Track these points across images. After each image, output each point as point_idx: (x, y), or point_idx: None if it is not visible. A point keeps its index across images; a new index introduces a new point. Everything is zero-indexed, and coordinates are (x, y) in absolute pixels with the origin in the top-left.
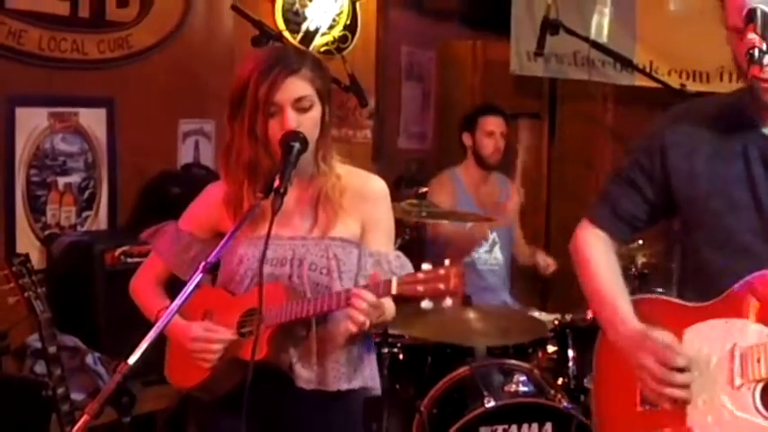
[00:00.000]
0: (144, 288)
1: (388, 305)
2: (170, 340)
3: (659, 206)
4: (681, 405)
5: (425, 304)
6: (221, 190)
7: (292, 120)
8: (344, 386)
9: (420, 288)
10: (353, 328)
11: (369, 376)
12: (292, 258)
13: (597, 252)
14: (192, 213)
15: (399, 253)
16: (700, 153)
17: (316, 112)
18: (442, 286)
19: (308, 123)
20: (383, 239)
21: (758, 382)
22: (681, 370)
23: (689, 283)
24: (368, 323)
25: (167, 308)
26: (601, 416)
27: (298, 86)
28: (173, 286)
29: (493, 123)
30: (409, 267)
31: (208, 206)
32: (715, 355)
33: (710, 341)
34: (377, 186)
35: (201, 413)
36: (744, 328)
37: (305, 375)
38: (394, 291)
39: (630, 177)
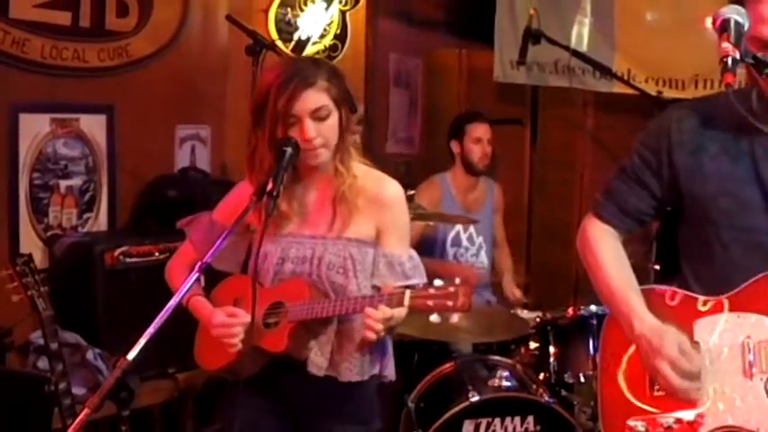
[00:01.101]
0: (176, 272)
1: (401, 311)
2: (200, 326)
3: (665, 202)
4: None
5: (434, 318)
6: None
7: (311, 129)
8: (356, 378)
9: (430, 303)
10: (371, 337)
11: (383, 366)
12: (312, 257)
13: (605, 247)
14: (225, 206)
15: (413, 254)
16: (706, 152)
17: (333, 119)
18: (450, 303)
19: (327, 131)
20: (396, 242)
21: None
22: (694, 374)
23: (696, 278)
24: (383, 333)
25: (196, 294)
26: (608, 396)
27: (314, 98)
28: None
29: (480, 130)
30: (421, 269)
31: (239, 201)
32: (726, 346)
33: (722, 333)
34: (391, 191)
35: (234, 394)
36: (757, 323)
37: (318, 363)
38: (406, 303)
39: (637, 174)
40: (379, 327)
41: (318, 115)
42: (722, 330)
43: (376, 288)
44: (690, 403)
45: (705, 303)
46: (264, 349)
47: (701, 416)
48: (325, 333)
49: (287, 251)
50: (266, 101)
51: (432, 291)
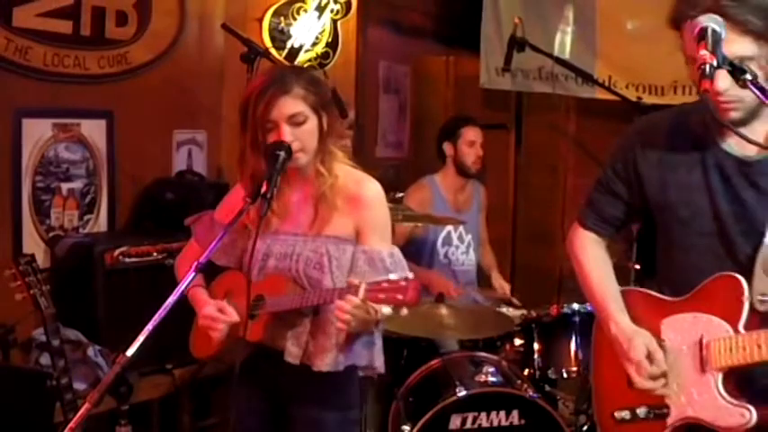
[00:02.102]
0: (183, 267)
1: (382, 308)
2: (197, 315)
3: (636, 207)
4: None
5: (386, 310)
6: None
7: (287, 134)
8: (329, 369)
9: (381, 296)
10: (341, 326)
11: (371, 358)
12: (292, 253)
13: (589, 253)
14: (224, 206)
15: (395, 251)
16: (667, 163)
17: (310, 124)
18: (400, 297)
19: (304, 136)
20: (378, 237)
21: (720, 370)
22: (658, 376)
23: (665, 280)
24: (354, 322)
25: (197, 285)
26: (598, 388)
27: (290, 104)
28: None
29: (474, 134)
30: (403, 263)
31: (236, 201)
32: (685, 344)
33: (682, 332)
34: (371, 191)
35: (230, 388)
36: (709, 322)
37: (293, 352)
38: (361, 295)
39: (610, 185)
40: (347, 317)
41: (295, 121)
42: (682, 329)
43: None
44: (659, 397)
45: (670, 304)
46: (245, 340)
47: (667, 408)
48: (301, 324)
49: (271, 248)
50: (247, 108)
51: (384, 284)
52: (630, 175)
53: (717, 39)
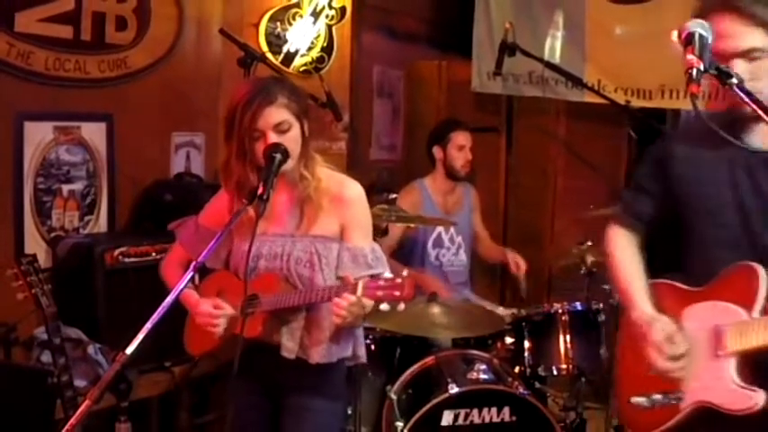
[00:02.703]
0: (170, 269)
1: (368, 302)
2: (189, 315)
3: (666, 204)
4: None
5: (383, 307)
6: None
7: (274, 141)
8: (324, 360)
9: (379, 293)
10: (338, 321)
11: (354, 348)
12: (282, 253)
13: (619, 247)
14: (209, 211)
15: (376, 247)
16: (694, 160)
17: (294, 131)
18: (397, 293)
19: (289, 142)
20: (360, 236)
21: (733, 354)
22: (677, 357)
23: (691, 273)
24: (350, 317)
25: (188, 287)
26: (620, 377)
27: (275, 114)
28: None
29: (463, 138)
30: (383, 260)
31: (220, 206)
32: (702, 331)
33: (700, 320)
34: (353, 191)
35: (226, 378)
36: (726, 309)
37: (289, 347)
38: (359, 293)
39: (642, 183)
40: (344, 313)
41: (280, 129)
42: (701, 317)
43: (341, 279)
44: (674, 382)
45: (692, 294)
46: (243, 335)
47: (682, 392)
48: (296, 320)
49: (260, 249)
50: (234, 118)
51: (381, 282)
52: (661, 171)
53: (704, 43)
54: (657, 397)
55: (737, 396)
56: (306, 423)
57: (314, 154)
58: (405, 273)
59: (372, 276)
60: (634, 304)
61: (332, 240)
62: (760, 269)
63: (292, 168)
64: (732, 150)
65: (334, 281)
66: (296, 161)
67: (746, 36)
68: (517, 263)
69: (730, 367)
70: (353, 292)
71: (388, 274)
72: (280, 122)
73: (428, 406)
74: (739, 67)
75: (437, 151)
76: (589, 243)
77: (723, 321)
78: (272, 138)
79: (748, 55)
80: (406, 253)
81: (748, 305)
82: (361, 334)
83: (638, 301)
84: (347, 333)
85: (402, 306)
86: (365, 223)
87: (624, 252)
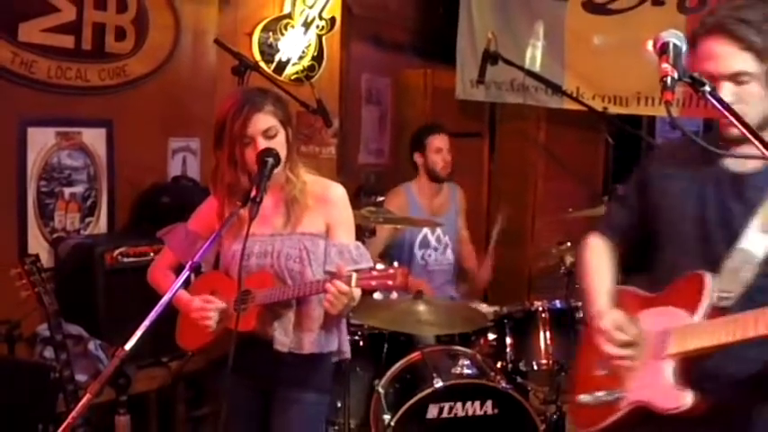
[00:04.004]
0: (159, 274)
1: (357, 292)
2: (180, 313)
3: (643, 217)
4: (623, 372)
5: (377, 296)
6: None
7: (263, 146)
8: (316, 350)
9: (373, 283)
10: (330, 308)
11: (339, 343)
12: (272, 251)
13: (593, 253)
14: (197, 217)
15: (359, 244)
16: (669, 175)
17: (281, 137)
18: (390, 282)
19: (277, 147)
20: (344, 233)
21: (673, 356)
22: (625, 345)
23: (655, 279)
24: (341, 305)
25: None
26: (574, 377)
27: (263, 120)
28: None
29: (439, 141)
30: (366, 255)
31: (209, 212)
32: (651, 334)
33: (652, 323)
34: (336, 191)
35: (217, 374)
36: (674, 314)
37: (281, 340)
38: (353, 284)
39: (623, 197)
40: (334, 300)
41: (268, 134)
42: (652, 320)
43: (329, 273)
44: (619, 381)
45: (648, 299)
46: (237, 330)
47: (625, 391)
48: (287, 314)
49: (251, 248)
50: (224, 126)
51: (374, 273)
52: (641, 185)
53: (678, 52)
54: (600, 394)
55: (669, 396)
56: (295, 414)
57: (298, 159)
58: (395, 264)
59: (358, 270)
60: (594, 301)
61: (319, 237)
62: (707, 277)
63: (279, 172)
64: (704, 170)
65: (322, 275)
66: (282, 165)
67: (735, 59)
68: (483, 275)
69: (669, 369)
70: (348, 282)
71: (380, 266)
72: (268, 128)
73: (414, 399)
74: (726, 89)
75: (417, 157)
76: (568, 244)
77: (670, 325)
78: (261, 143)
79: (736, 78)
80: (394, 254)
81: (693, 310)
82: (345, 331)
83: (598, 299)
84: (334, 326)
85: (395, 295)
86: (349, 222)
87: (596, 258)
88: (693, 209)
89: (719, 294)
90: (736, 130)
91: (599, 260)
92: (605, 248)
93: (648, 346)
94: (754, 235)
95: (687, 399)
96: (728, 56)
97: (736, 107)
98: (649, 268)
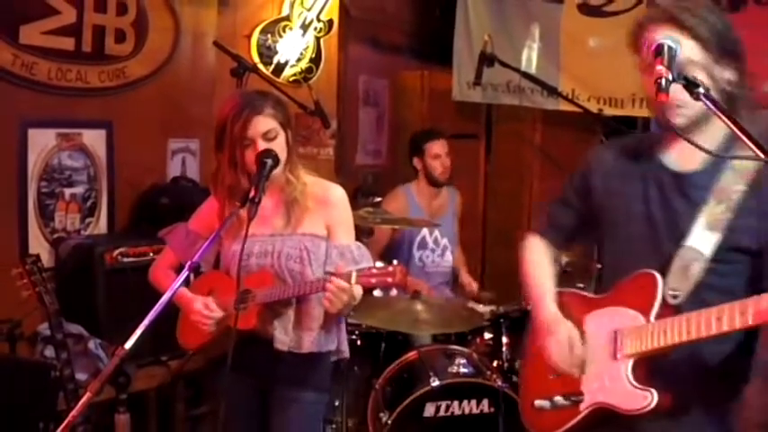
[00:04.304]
0: (160, 274)
1: (357, 291)
2: (181, 312)
3: (586, 218)
4: (578, 376)
5: (377, 293)
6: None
7: (265, 148)
8: (315, 349)
9: (373, 280)
10: (329, 306)
11: (338, 342)
12: (272, 251)
13: (533, 254)
14: (198, 217)
15: (359, 244)
16: (613, 175)
17: (281, 139)
18: (389, 280)
19: (277, 149)
20: (345, 234)
21: (630, 357)
22: (577, 360)
23: (606, 279)
24: (340, 303)
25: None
26: (523, 380)
27: (263, 123)
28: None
29: (437, 147)
30: (367, 255)
31: (209, 213)
32: (602, 335)
33: (602, 324)
34: (336, 193)
35: (217, 373)
36: (625, 314)
37: (281, 339)
38: (353, 281)
39: (566, 197)
40: (334, 298)
41: (268, 136)
42: (601, 322)
43: (329, 274)
44: (575, 383)
45: (595, 300)
46: (237, 329)
47: (581, 394)
48: (287, 313)
49: (251, 248)
50: (224, 128)
51: (374, 270)
52: (583, 186)
53: (672, 54)
54: (559, 399)
55: (632, 397)
56: (293, 413)
57: (297, 160)
58: (395, 262)
59: (358, 269)
60: (541, 307)
61: (320, 238)
62: (658, 277)
63: (279, 173)
64: (647, 166)
65: (323, 276)
66: (282, 167)
67: (682, 48)
68: (471, 285)
69: (627, 369)
70: (347, 279)
71: (379, 264)
72: (268, 131)
73: (411, 398)
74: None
75: (417, 162)
76: None
77: (622, 325)
78: (262, 145)
79: (684, 67)
80: (392, 255)
81: (645, 310)
82: (344, 330)
83: (546, 304)
84: (334, 326)
85: (394, 291)
86: (348, 223)
87: (537, 258)
88: (639, 209)
89: (670, 293)
90: (681, 120)
91: (541, 261)
92: (546, 249)
93: (601, 347)
94: (701, 233)
95: (651, 398)
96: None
97: (679, 98)
98: (603, 270)
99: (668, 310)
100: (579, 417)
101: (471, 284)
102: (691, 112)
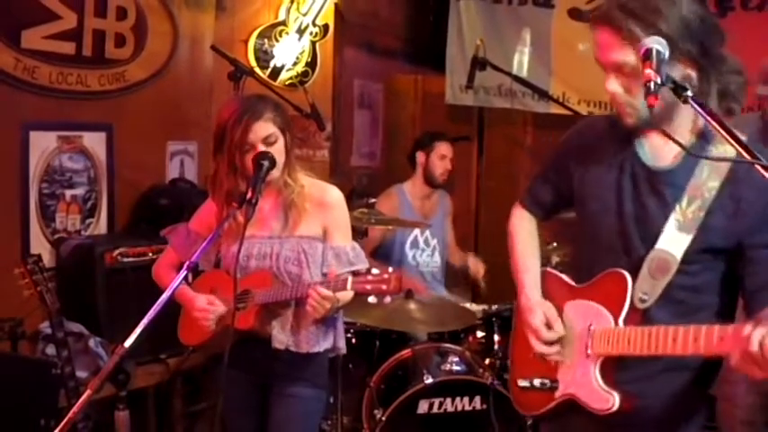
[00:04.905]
0: (162, 272)
1: (346, 294)
2: (183, 309)
3: (565, 197)
4: (555, 362)
5: (371, 299)
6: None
7: (262, 150)
8: (312, 349)
9: (368, 287)
10: (312, 312)
11: (335, 340)
12: (271, 253)
13: (519, 229)
14: (198, 217)
15: (355, 245)
16: (591, 160)
17: (280, 143)
18: (384, 287)
19: (276, 153)
20: (341, 236)
21: (599, 356)
22: (552, 342)
23: (576, 267)
24: (323, 310)
25: (183, 284)
26: (511, 359)
27: (263, 128)
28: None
29: (446, 149)
30: (363, 257)
31: (209, 213)
32: (579, 328)
33: (578, 316)
34: (334, 195)
35: (216, 370)
36: (598, 312)
37: (279, 338)
38: (349, 287)
39: (547, 173)
40: (315, 304)
41: (268, 141)
42: (579, 314)
43: (326, 276)
44: (553, 369)
45: (574, 289)
46: (236, 328)
47: (557, 381)
48: (285, 314)
49: (250, 250)
50: (224, 134)
51: (369, 277)
52: (562, 165)
53: (661, 58)
54: (536, 382)
55: (598, 396)
56: (293, 409)
57: (295, 163)
58: (390, 269)
59: (355, 273)
60: (523, 289)
61: (316, 240)
62: (628, 279)
63: (278, 177)
64: (622, 157)
65: (320, 277)
66: (281, 170)
67: (618, 50)
68: (477, 267)
69: (596, 368)
70: (344, 286)
71: (375, 270)
72: (268, 135)
73: (405, 395)
74: (613, 80)
75: (420, 156)
76: (554, 244)
77: (595, 322)
78: (261, 149)
79: (621, 69)
80: (385, 254)
81: (615, 312)
82: (341, 328)
83: (527, 287)
84: (330, 325)
85: (388, 299)
86: (345, 225)
87: (522, 234)
88: (613, 201)
89: (639, 296)
90: (631, 120)
91: (525, 236)
92: (530, 223)
93: (576, 340)
94: (672, 234)
95: (612, 401)
96: (610, 46)
97: (624, 99)
98: (574, 255)
99: (636, 314)
100: (554, 403)
101: (479, 269)
102: (645, 113)
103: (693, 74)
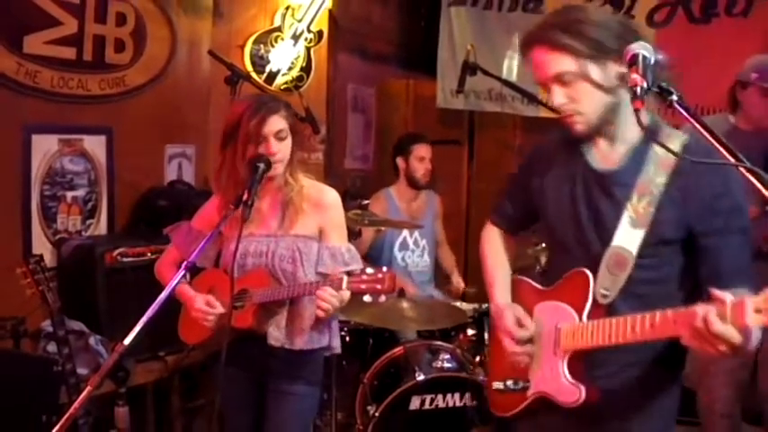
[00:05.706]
0: (164, 269)
1: (344, 293)
2: (183, 308)
3: (530, 211)
4: (526, 363)
5: (366, 298)
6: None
7: (275, 146)
8: (307, 347)
9: (363, 286)
10: (321, 314)
11: (329, 339)
12: (267, 251)
13: (489, 244)
14: (201, 215)
15: (350, 246)
16: (548, 174)
17: (288, 141)
18: (378, 286)
19: (285, 149)
20: (337, 236)
21: (566, 353)
22: (523, 341)
23: (547, 273)
24: (333, 310)
25: (183, 282)
26: (489, 364)
27: (277, 122)
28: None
29: (423, 150)
30: (357, 257)
31: (211, 211)
32: (547, 327)
33: (546, 317)
34: (331, 197)
35: (216, 367)
36: (564, 311)
37: (274, 336)
38: (344, 287)
39: (511, 190)
40: (327, 306)
41: (280, 136)
42: (547, 314)
43: (321, 275)
44: (525, 370)
45: (542, 292)
46: (233, 326)
47: (529, 381)
48: (281, 312)
49: (247, 248)
50: (238, 125)
51: (364, 276)
52: (523, 182)
53: (647, 63)
54: (509, 383)
55: (566, 390)
56: (289, 406)
57: (297, 164)
58: (384, 269)
59: (349, 273)
60: (493, 298)
61: (312, 239)
62: (590, 277)
63: (280, 175)
64: (575, 166)
65: (314, 276)
66: (284, 168)
67: (554, 62)
68: (458, 284)
69: (563, 364)
70: (339, 286)
71: (370, 270)
72: (280, 130)
73: (397, 392)
74: (556, 92)
75: (400, 161)
76: (543, 245)
77: (561, 321)
78: (273, 143)
79: (560, 79)
80: (376, 255)
81: (579, 309)
82: (336, 327)
83: (497, 295)
84: (325, 324)
85: (383, 298)
86: (341, 226)
87: (492, 248)
88: (568, 210)
89: (601, 292)
90: (581, 127)
91: (495, 250)
92: (499, 237)
93: (545, 339)
94: (626, 231)
95: (579, 394)
96: (546, 61)
97: (570, 107)
98: (549, 261)
99: (599, 309)
100: (527, 402)
101: (460, 284)
102: (593, 117)
103: (626, 71)
